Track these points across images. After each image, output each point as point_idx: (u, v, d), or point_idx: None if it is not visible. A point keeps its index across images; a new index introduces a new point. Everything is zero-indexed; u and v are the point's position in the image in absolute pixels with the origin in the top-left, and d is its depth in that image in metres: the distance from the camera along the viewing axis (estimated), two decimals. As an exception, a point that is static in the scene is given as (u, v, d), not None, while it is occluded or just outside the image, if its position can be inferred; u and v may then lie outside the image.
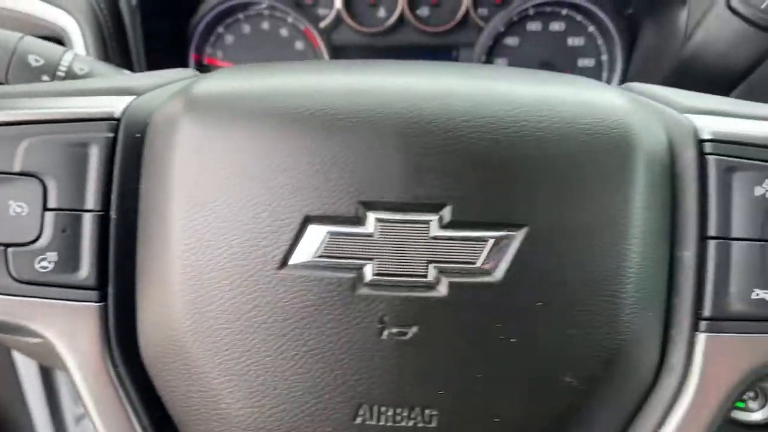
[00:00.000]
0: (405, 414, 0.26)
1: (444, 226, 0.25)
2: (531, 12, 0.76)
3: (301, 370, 0.26)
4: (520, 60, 0.78)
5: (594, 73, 0.79)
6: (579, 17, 0.76)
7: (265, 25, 0.78)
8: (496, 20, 0.73)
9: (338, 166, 0.25)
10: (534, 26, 0.77)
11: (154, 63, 0.68)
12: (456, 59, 0.79)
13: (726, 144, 0.29)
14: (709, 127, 0.29)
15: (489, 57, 0.78)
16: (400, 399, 0.26)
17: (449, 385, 0.25)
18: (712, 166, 0.29)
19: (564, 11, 0.76)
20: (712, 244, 0.29)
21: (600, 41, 0.78)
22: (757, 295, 0.28)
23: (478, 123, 0.26)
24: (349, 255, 0.25)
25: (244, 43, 0.78)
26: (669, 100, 0.32)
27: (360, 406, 0.26)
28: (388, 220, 0.25)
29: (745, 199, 0.29)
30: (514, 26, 0.77)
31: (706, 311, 0.29)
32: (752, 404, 0.69)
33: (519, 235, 0.25)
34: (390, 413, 0.26)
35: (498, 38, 0.77)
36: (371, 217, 0.25)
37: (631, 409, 0.30)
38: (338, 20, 0.75)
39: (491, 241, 0.25)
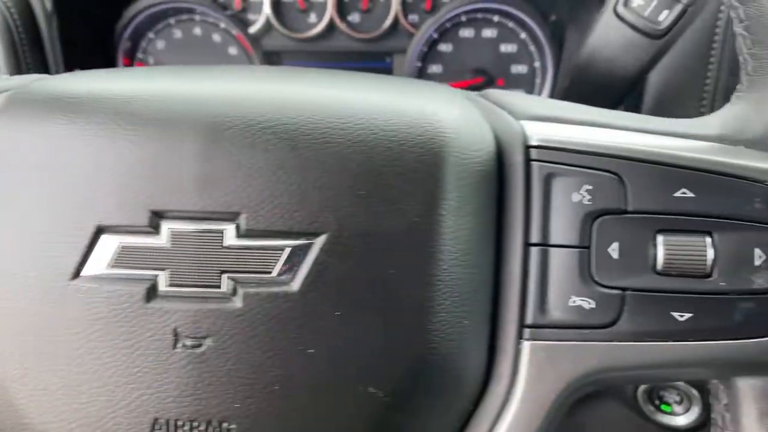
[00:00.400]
0: (202, 428, 0.25)
1: (239, 236, 0.25)
2: (463, 19, 0.76)
3: (97, 384, 0.25)
4: (454, 66, 0.78)
5: (527, 80, 0.79)
6: (511, 24, 0.76)
7: (198, 31, 0.78)
8: (425, 27, 0.73)
9: (131, 174, 0.25)
10: (467, 33, 0.77)
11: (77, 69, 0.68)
12: (390, 65, 0.79)
13: (549, 150, 0.29)
14: (537, 133, 0.29)
15: (424, 63, 0.78)
16: (196, 413, 0.25)
17: (246, 397, 0.25)
18: (535, 173, 0.29)
19: (496, 18, 0.76)
20: (534, 251, 0.28)
21: (532, 48, 0.77)
22: (574, 302, 0.28)
23: (278, 129, 0.25)
24: (141, 266, 0.24)
25: (176, 48, 0.78)
26: (512, 107, 0.31)
27: (156, 421, 0.25)
28: (181, 230, 0.25)
29: (564, 205, 0.28)
30: (447, 33, 0.77)
31: (529, 319, 0.28)
32: (677, 408, 0.68)
33: (317, 244, 0.25)
34: (186, 428, 0.25)
35: (432, 45, 0.77)
36: (164, 226, 0.25)
37: (458, 420, 0.29)
38: (268, 26, 0.75)
39: (288, 250, 0.25)
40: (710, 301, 0.27)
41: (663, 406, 0.69)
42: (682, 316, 0.27)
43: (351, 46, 0.76)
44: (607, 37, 0.46)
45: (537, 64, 0.77)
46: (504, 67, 0.77)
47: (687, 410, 0.67)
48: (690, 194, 0.27)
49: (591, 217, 0.28)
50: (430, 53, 0.78)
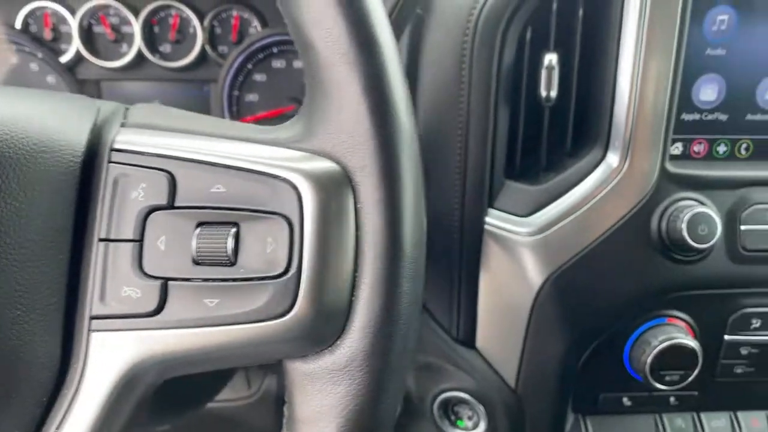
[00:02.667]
0: None
1: None
2: (275, 50, 0.80)
3: None
4: (269, 95, 0.82)
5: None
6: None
7: (14, 60, 0.79)
8: (230, 58, 0.77)
9: None
10: (278, 63, 0.81)
11: None
12: (208, 93, 0.82)
13: (123, 153, 0.31)
14: (125, 140, 0.32)
15: (241, 92, 0.82)
16: None
17: None
18: (110, 174, 0.31)
19: (305, 49, 0.80)
20: (100, 246, 0.30)
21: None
22: (125, 292, 0.30)
23: None
24: None
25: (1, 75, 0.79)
26: (130, 117, 0.34)
27: None
28: None
29: (124, 202, 0.30)
30: (260, 63, 0.81)
31: (93, 310, 0.30)
32: (469, 423, 0.70)
33: None
34: None
35: (247, 75, 0.81)
36: None
37: (38, 411, 0.30)
38: (79, 56, 0.77)
39: None
40: (234, 288, 0.29)
41: (458, 422, 0.70)
42: (212, 302, 0.29)
43: (163, 75, 0.78)
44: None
45: (348, 92, 0.81)
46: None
47: (476, 425, 0.69)
48: (222, 189, 0.30)
49: (144, 212, 0.30)
50: (245, 83, 0.81)
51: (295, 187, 0.28)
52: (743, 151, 0.61)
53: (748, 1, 0.56)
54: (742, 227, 0.57)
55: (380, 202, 0.29)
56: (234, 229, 0.29)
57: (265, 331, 0.29)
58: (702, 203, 0.57)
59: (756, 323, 0.60)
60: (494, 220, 0.63)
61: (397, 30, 0.67)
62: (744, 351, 0.60)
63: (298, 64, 0.81)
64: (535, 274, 0.60)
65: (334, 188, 0.29)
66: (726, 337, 0.60)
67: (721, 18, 0.57)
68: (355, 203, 0.29)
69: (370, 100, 0.28)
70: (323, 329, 0.29)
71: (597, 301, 0.59)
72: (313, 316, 0.28)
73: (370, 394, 0.28)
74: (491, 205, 0.63)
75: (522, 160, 0.63)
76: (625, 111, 0.56)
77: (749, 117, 0.60)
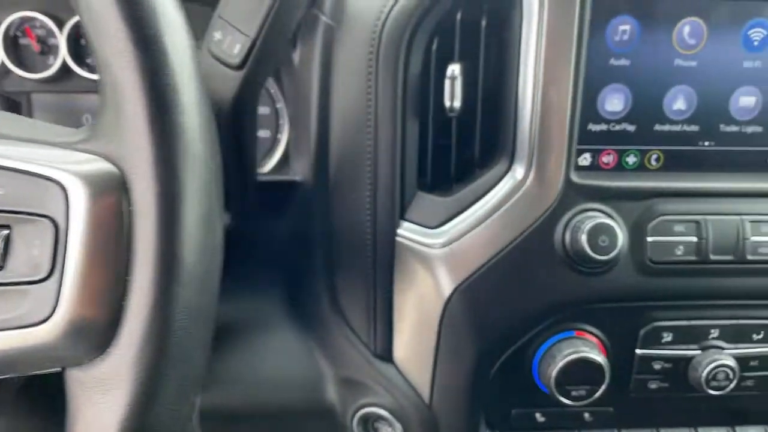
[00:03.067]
0: None
1: None
2: (205, 61, 0.81)
3: None
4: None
5: (271, 121, 0.83)
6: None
7: (-56, 72, 0.79)
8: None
9: None
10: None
11: None
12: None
13: None
14: None
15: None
16: None
17: None
18: None
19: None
20: None
21: (273, 90, 0.82)
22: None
23: None
24: None
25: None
26: None
27: None
28: None
29: None
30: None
31: None
32: (387, 440, 0.69)
33: None
34: None
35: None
36: None
37: None
38: (5, 69, 0.77)
39: None
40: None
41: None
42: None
43: (90, 86, 0.78)
44: (207, 72, 0.50)
45: (279, 105, 0.81)
46: (248, 108, 0.81)
47: (395, 439, 0.68)
48: (2, 191, 0.29)
49: None
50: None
51: (63, 188, 0.27)
52: (653, 162, 0.60)
53: (649, 12, 0.55)
54: (649, 239, 0.56)
55: (153, 205, 0.28)
56: (6, 232, 0.28)
57: (27, 337, 0.27)
58: (607, 214, 0.56)
59: (667, 337, 0.58)
60: (406, 232, 0.62)
61: (309, 42, 0.67)
62: (657, 366, 0.59)
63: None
64: (444, 285, 0.59)
65: (107, 191, 0.28)
66: (637, 351, 0.58)
67: (623, 28, 0.56)
68: (129, 206, 0.29)
69: (146, 100, 0.28)
70: (89, 336, 0.28)
71: (503, 312, 0.58)
72: (76, 323, 0.27)
73: (137, 405, 0.27)
74: (403, 217, 0.63)
75: (434, 171, 0.63)
76: (528, 122, 0.56)
77: (658, 127, 0.59)
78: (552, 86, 0.54)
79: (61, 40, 0.75)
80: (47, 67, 0.77)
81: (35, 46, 0.75)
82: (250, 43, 0.46)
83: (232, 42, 0.46)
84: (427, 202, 0.62)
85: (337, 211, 0.66)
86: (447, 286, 0.59)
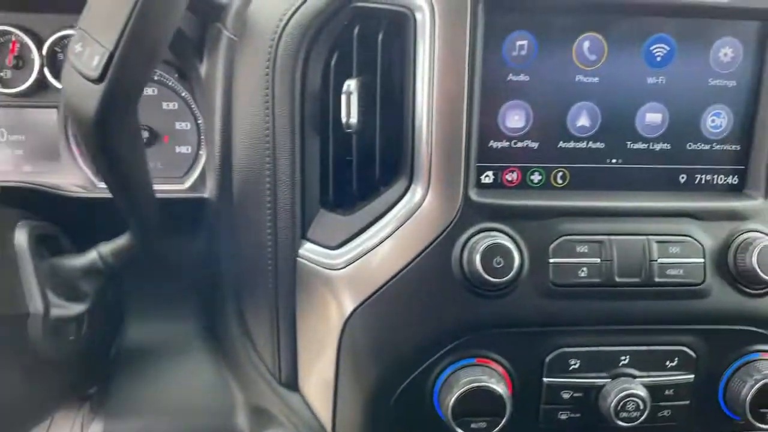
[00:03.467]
0: None
1: None
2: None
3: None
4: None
5: (192, 136, 0.81)
6: (171, 83, 0.79)
7: None
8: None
9: None
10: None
11: None
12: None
13: None
14: None
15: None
16: None
17: None
18: None
19: (155, 77, 0.79)
20: None
21: (194, 105, 0.80)
22: None
23: None
24: None
25: None
26: None
27: None
28: None
29: None
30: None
31: None
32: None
33: None
34: None
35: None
36: None
37: None
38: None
39: None
40: None
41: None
42: None
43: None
44: (69, 86, 0.48)
45: (201, 120, 0.80)
46: (169, 124, 0.79)
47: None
48: None
49: None
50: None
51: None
52: (559, 180, 0.58)
53: (546, 27, 0.54)
54: (551, 260, 0.54)
55: None
56: None
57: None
58: (507, 234, 0.54)
59: (575, 364, 0.55)
60: (307, 252, 0.59)
61: (213, 57, 0.65)
62: (565, 395, 0.56)
63: (149, 91, 0.79)
64: (342, 308, 0.57)
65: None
66: (544, 379, 0.55)
67: (520, 43, 0.55)
68: None
69: None
70: None
71: (401, 336, 0.55)
72: None
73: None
74: (305, 237, 0.60)
75: (338, 189, 0.61)
76: (425, 140, 0.53)
77: (562, 145, 0.57)
78: (447, 103, 0.52)
79: (36, 54, 0.74)
80: (22, 81, 0.75)
81: (9, 60, 0.74)
82: (108, 56, 0.44)
83: (91, 54, 0.44)
84: (329, 220, 0.60)
85: (240, 231, 0.64)
86: (345, 309, 0.56)
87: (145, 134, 0.78)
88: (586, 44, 0.55)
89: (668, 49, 0.55)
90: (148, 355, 0.75)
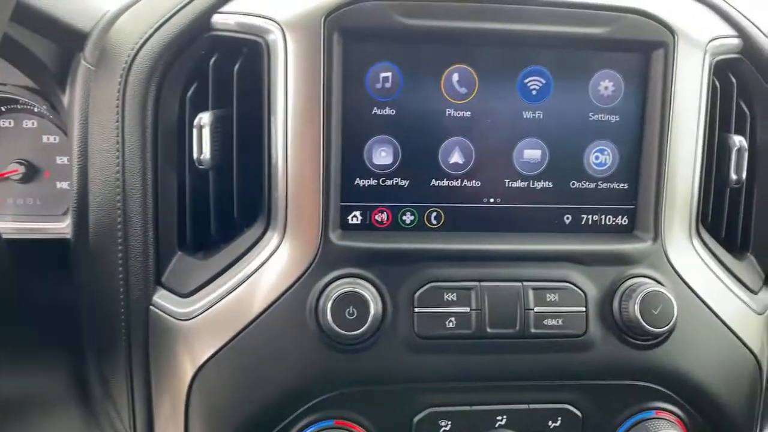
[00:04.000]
0: None
1: None
2: (2, 108, 0.75)
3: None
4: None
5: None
6: (53, 115, 0.75)
7: None
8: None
9: None
10: (6, 123, 0.75)
11: None
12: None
13: None
14: None
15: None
16: None
17: None
18: None
19: (35, 109, 0.75)
20: None
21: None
22: None
23: None
24: None
25: None
26: None
27: None
28: None
29: None
30: (-14, 122, 0.75)
31: None
32: None
33: None
34: None
35: (-25, 134, 0.75)
36: None
37: None
38: None
39: None
40: None
41: None
42: None
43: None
44: None
45: (84, 155, 0.75)
46: (50, 158, 0.75)
47: None
48: None
49: None
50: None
51: None
52: (433, 221, 0.54)
53: (411, 58, 0.50)
54: (417, 309, 0.49)
55: None
56: None
57: None
58: (368, 280, 0.49)
59: (446, 425, 0.50)
60: (160, 300, 0.53)
61: (73, 87, 0.61)
62: (438, 459, 0.51)
63: (28, 124, 0.75)
64: (192, 362, 0.51)
65: None
66: (413, 442, 0.51)
67: (384, 75, 0.51)
68: None
69: None
70: None
71: (253, 394, 0.49)
72: None
73: None
74: (160, 283, 0.56)
75: (201, 231, 0.56)
76: (280, 178, 0.49)
77: (435, 183, 0.53)
78: (302, 139, 0.48)
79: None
80: None
81: None
82: None
83: None
84: (186, 265, 0.54)
85: (94, 277, 0.59)
86: (195, 362, 0.50)
87: (22, 169, 0.74)
88: (455, 77, 0.51)
89: (544, 82, 0.52)
90: (13, 411, 0.68)
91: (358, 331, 0.46)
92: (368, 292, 0.47)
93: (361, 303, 0.46)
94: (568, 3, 0.50)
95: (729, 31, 0.55)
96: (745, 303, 0.55)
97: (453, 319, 0.48)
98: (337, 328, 0.45)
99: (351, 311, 0.46)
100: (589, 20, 0.50)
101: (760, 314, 0.56)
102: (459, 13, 0.48)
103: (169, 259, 0.54)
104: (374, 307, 0.46)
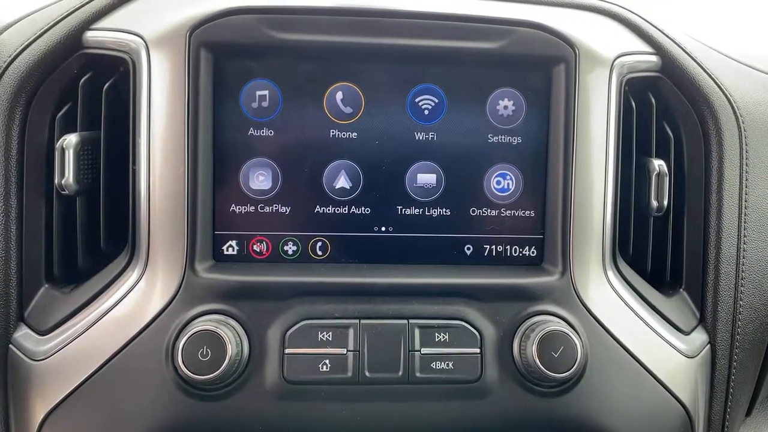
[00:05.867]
0: None
1: None
2: None
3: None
4: None
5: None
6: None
7: None
8: None
9: None
10: None
11: None
12: None
13: None
14: None
15: None
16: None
17: None
18: None
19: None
20: None
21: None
22: None
23: None
24: None
25: None
26: None
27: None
28: None
29: None
30: None
31: None
32: None
33: None
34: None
35: None
36: None
37: None
38: None
39: None
40: None
41: None
42: None
43: None
44: None
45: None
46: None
47: None
48: None
49: None
50: None
51: None
52: (318, 251, 0.49)
53: (290, 75, 0.46)
54: (287, 351, 0.44)
55: None
56: None
57: None
58: (234, 318, 0.44)
59: (321, 484, 0.45)
60: (20, 338, 0.48)
61: None
62: None
63: None
64: (42, 404, 0.46)
65: None
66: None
67: (261, 93, 0.48)
68: None
69: None
70: None
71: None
72: None
73: None
74: (22, 319, 0.51)
75: (70, 260, 0.52)
76: (143, 205, 0.45)
77: (320, 210, 0.48)
78: (165, 162, 0.44)
79: None
80: None
81: None
82: None
83: None
84: (51, 299, 0.50)
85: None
86: (42, 409, 0.45)
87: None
88: (339, 95, 0.47)
89: (437, 101, 0.48)
90: None
91: (211, 375, 0.41)
92: (230, 331, 0.42)
93: (217, 343, 0.41)
94: (457, 16, 0.46)
95: (644, 47, 0.52)
96: (671, 345, 0.49)
97: (327, 361, 0.43)
98: (188, 371, 0.40)
99: (205, 352, 0.41)
100: (481, 34, 0.46)
101: (690, 358, 0.50)
102: (336, 27, 0.45)
103: (35, 292, 0.50)
104: (232, 348, 0.41)
